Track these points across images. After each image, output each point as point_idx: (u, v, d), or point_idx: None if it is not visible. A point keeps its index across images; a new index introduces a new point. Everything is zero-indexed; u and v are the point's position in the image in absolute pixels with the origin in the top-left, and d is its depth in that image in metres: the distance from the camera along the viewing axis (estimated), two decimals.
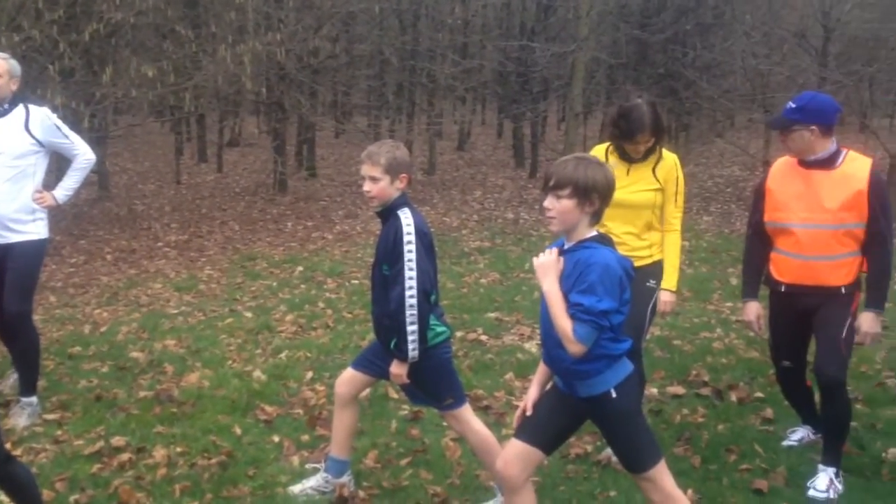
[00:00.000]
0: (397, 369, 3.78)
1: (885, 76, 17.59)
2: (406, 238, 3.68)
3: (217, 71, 12.22)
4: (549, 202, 3.06)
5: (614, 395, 3.09)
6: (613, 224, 4.29)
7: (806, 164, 4.25)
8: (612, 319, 2.99)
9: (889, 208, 4.19)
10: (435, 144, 20.57)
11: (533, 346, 6.65)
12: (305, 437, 4.84)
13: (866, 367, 6.00)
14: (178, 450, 4.63)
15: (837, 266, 4.19)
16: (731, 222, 13.42)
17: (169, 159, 20.57)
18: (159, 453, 4.57)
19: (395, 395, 5.41)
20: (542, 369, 3.37)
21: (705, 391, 5.54)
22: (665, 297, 4.50)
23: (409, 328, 3.67)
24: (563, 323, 2.98)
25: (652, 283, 4.44)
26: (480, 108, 33.83)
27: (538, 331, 7.04)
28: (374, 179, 3.74)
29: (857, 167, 4.18)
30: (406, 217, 3.74)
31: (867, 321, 4.18)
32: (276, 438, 4.82)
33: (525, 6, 21.48)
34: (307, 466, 4.43)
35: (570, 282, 3.01)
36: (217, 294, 8.89)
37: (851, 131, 20.79)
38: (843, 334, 4.14)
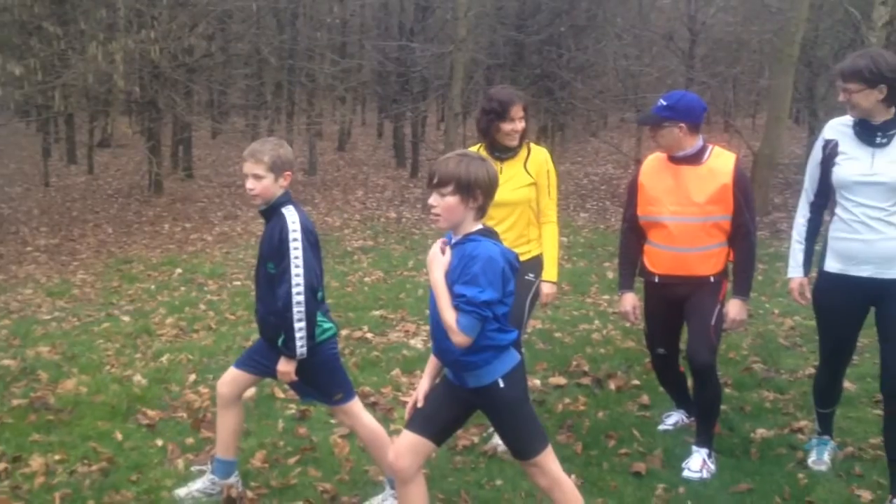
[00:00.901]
0: (285, 367, 3.77)
1: (747, 77, 18.47)
2: (292, 235, 3.67)
3: (87, 69, 11.84)
4: (433, 199, 3.10)
5: (502, 384, 3.15)
6: (492, 223, 4.37)
7: (675, 159, 4.44)
8: (496, 310, 3.05)
9: (752, 201, 4.43)
10: (315, 144, 20.43)
11: (419, 343, 6.72)
12: (190, 441, 4.76)
13: (734, 353, 6.31)
14: (57, 458, 4.48)
15: (706, 257, 4.40)
16: (607, 218, 13.85)
17: (36, 161, 19.76)
18: (36, 462, 4.40)
19: (282, 395, 5.38)
20: (432, 361, 3.41)
21: (585, 381, 5.72)
22: (546, 289, 4.62)
23: (297, 325, 3.66)
24: (448, 314, 3.03)
25: (530, 276, 4.54)
26: (360, 108, 33.78)
27: (423, 327, 7.14)
28: (257, 177, 3.71)
29: (722, 162, 4.39)
30: (291, 214, 3.73)
31: (735, 308, 4.41)
32: (159, 442, 4.72)
33: (403, 7, 21.57)
34: (193, 469, 4.35)
35: (456, 274, 3.06)
36: (92, 298, 8.62)
37: (717, 130, 21.72)
38: (713, 321, 4.36)
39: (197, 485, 4.11)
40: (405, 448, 3.27)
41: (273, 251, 3.71)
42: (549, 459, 3.24)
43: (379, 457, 3.91)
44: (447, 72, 16.82)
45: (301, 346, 3.69)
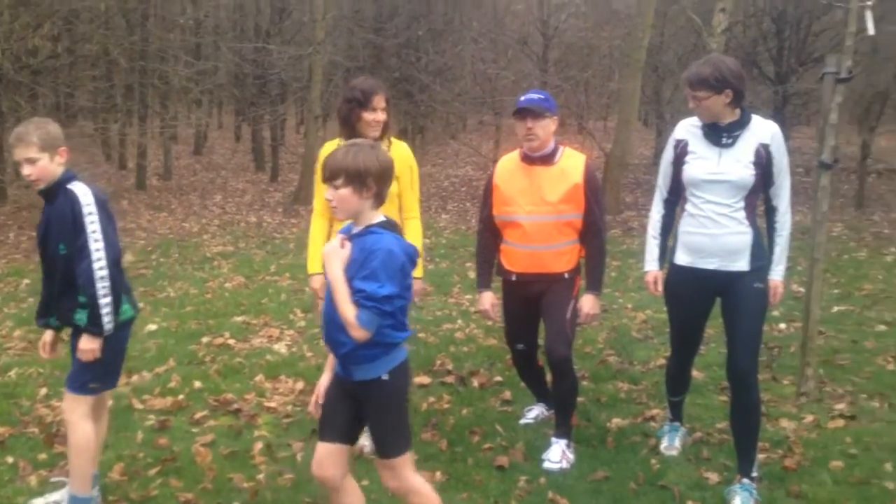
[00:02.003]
0: (89, 344, 3.64)
1: (599, 81, 19.10)
2: (86, 210, 3.59)
3: None
4: (328, 193, 3.09)
5: (386, 378, 3.15)
6: None
7: (529, 160, 4.58)
8: (395, 304, 3.05)
9: (602, 201, 4.64)
10: (170, 148, 19.85)
11: (282, 347, 6.66)
12: (43, 456, 4.57)
13: (590, 347, 6.55)
14: None
15: (560, 254, 4.55)
16: (467, 220, 14.06)
17: None
18: None
19: (140, 406, 5.24)
20: (331, 356, 3.37)
21: (450, 379, 5.82)
22: (415, 286, 4.65)
23: (103, 301, 3.58)
24: (347, 309, 3.00)
25: None
26: (217, 111, 33.00)
27: (287, 332, 7.08)
28: (31, 161, 3.61)
29: (573, 163, 4.57)
30: (81, 188, 3.65)
31: (588, 303, 4.59)
32: (10, 459, 4.51)
33: (259, 8, 21.25)
34: (52, 480, 4.20)
35: (356, 267, 3.04)
36: None
37: (570, 132, 22.39)
38: (568, 316, 4.52)
39: (55, 496, 3.99)
40: (324, 458, 3.25)
41: (65, 230, 3.61)
42: (406, 464, 3.26)
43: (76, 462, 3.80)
44: (306, 74, 16.70)
45: (108, 322, 3.61)
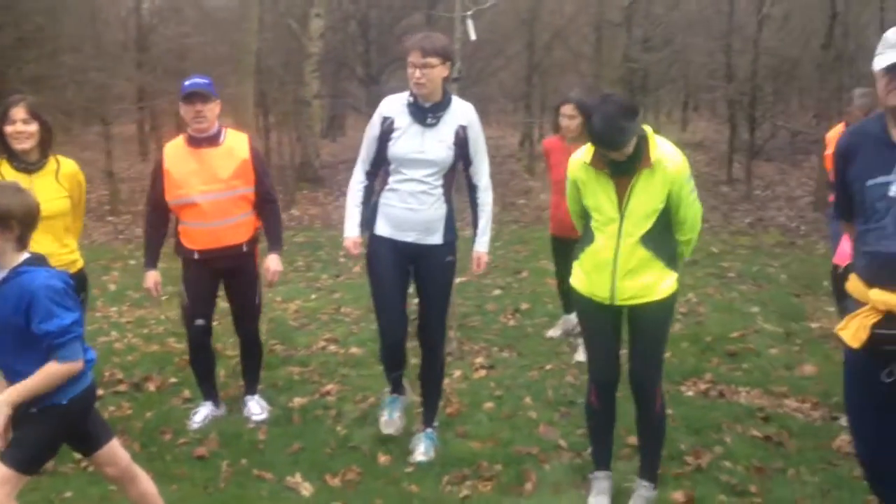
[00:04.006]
0: None
1: (218, 86, 19.07)
2: None
3: None
4: None
5: (65, 403, 3.19)
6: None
7: (196, 143, 4.86)
8: (80, 328, 3.14)
9: (269, 173, 5.15)
10: None
11: None
12: None
13: None
14: None
15: (237, 226, 4.91)
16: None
17: None
18: None
19: None
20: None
21: (123, 388, 5.82)
22: None
23: None
24: (52, 374, 3.08)
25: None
26: None
27: None
28: None
29: (237, 142, 4.95)
30: None
31: (273, 262, 4.99)
32: None
33: None
34: None
35: (10, 307, 3.05)
36: None
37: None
38: (256, 298, 5.10)
39: None
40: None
41: None
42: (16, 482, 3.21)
43: None
44: None
45: None
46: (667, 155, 3.73)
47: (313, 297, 8.43)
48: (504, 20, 18.93)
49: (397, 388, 4.78)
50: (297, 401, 5.48)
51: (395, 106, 4.43)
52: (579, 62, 18.53)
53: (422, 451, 4.63)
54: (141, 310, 7.98)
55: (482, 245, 4.59)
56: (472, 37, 6.47)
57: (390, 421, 4.73)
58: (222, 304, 5.31)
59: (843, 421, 4.79)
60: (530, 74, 19.16)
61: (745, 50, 16.39)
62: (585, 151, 3.86)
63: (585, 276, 3.93)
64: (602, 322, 3.96)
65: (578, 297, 4.01)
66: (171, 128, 22.27)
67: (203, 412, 5.22)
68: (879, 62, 3.04)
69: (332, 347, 6.67)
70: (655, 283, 3.81)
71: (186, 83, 4.83)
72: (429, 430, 4.74)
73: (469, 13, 6.49)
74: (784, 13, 18.36)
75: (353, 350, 6.54)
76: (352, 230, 4.57)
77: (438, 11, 16.39)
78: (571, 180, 3.97)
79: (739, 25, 17.10)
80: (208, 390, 5.29)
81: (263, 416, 5.17)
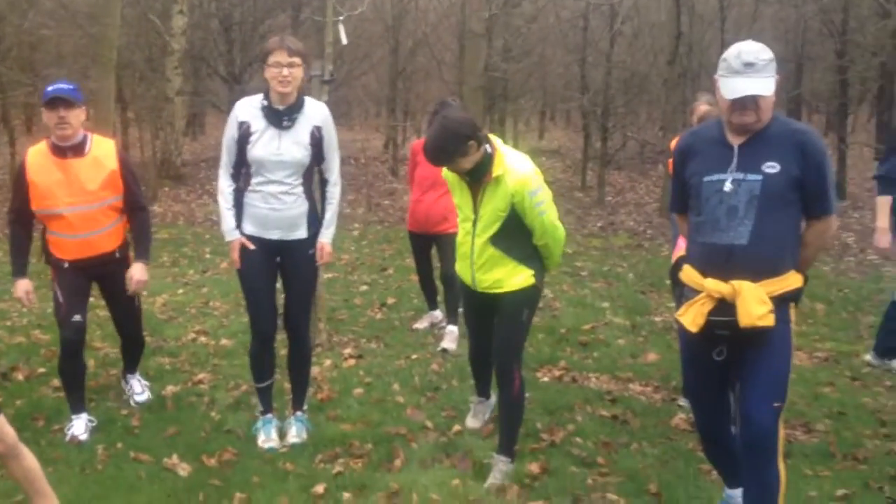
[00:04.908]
0: None
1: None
2: None
3: None
4: None
5: None
6: None
7: (60, 152, 4.76)
8: None
9: (138, 180, 5.06)
10: None
11: None
12: None
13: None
14: None
15: (108, 235, 4.91)
16: None
17: None
18: None
19: None
20: None
21: None
22: None
23: None
24: None
25: None
26: None
27: None
28: None
29: (104, 150, 4.87)
30: None
31: (138, 271, 4.96)
32: None
33: None
34: None
35: None
36: None
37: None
38: (136, 300, 5.17)
39: None
40: None
41: None
42: None
43: None
44: None
45: None
46: (511, 169, 4.15)
47: (180, 291, 8.49)
48: (370, 26, 19.24)
49: (266, 404, 4.90)
50: (170, 389, 5.60)
51: (249, 110, 4.50)
52: (443, 69, 18.98)
53: (294, 433, 4.85)
54: (2, 303, 7.84)
55: (326, 236, 4.70)
56: (344, 41, 6.74)
57: (268, 439, 4.80)
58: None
59: (681, 402, 5.36)
60: (395, 79, 19.54)
61: (598, 63, 17.32)
62: None
63: (458, 263, 4.52)
64: (471, 300, 4.61)
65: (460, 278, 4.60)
66: (21, 122, 21.62)
67: (80, 425, 4.89)
68: (726, 91, 3.37)
69: (203, 339, 6.79)
70: (506, 277, 4.31)
71: (49, 88, 4.67)
72: (299, 413, 4.96)
73: (341, 18, 6.75)
74: (634, 31, 19.41)
75: (224, 342, 6.68)
76: (233, 233, 4.60)
77: (305, 14, 16.54)
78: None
79: (594, 40, 18.05)
80: (80, 399, 4.97)
81: (145, 395, 5.36)
